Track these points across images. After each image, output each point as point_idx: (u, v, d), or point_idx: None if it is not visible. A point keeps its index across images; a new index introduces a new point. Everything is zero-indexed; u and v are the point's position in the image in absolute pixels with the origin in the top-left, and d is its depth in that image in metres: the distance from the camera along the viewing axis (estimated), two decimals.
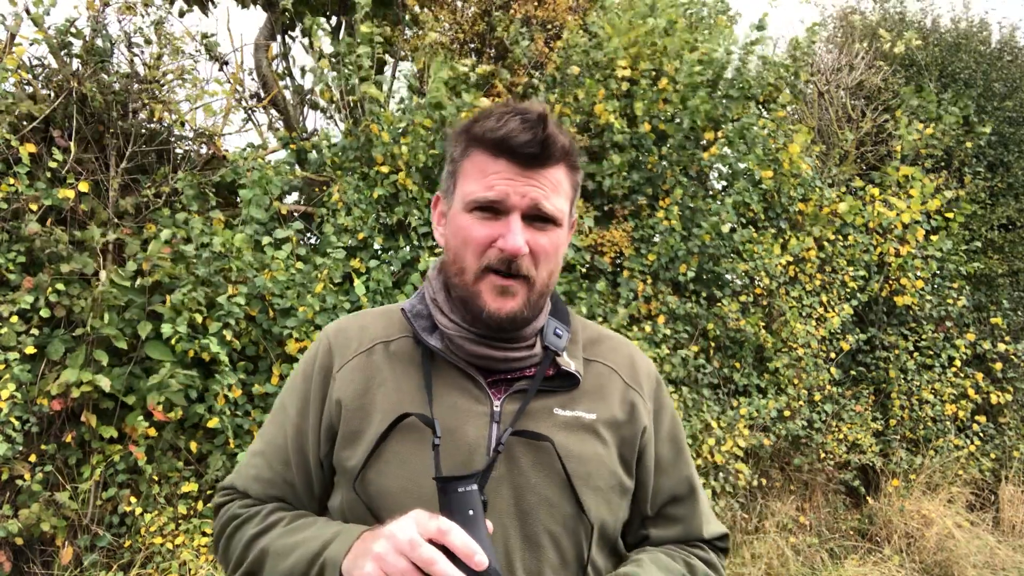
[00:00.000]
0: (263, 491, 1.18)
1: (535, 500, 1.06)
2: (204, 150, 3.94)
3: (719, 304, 4.64)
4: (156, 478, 3.23)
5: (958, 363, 5.67)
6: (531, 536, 1.05)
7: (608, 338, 1.26)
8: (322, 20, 4.04)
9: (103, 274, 3.19)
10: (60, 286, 3.13)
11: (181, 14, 4.65)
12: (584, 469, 1.09)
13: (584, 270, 4.44)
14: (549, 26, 4.80)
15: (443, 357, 1.12)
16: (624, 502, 1.16)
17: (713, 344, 4.71)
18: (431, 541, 0.87)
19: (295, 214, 4.06)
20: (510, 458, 1.07)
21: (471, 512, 0.91)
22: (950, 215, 5.34)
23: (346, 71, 4.02)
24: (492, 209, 1.06)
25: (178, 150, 3.86)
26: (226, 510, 1.19)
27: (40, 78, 3.58)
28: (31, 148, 3.21)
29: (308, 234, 4.05)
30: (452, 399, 1.09)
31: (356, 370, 1.14)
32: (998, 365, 5.95)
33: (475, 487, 0.93)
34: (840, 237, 5.21)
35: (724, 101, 4.74)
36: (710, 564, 1.21)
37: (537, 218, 1.06)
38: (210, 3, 4.76)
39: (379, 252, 3.92)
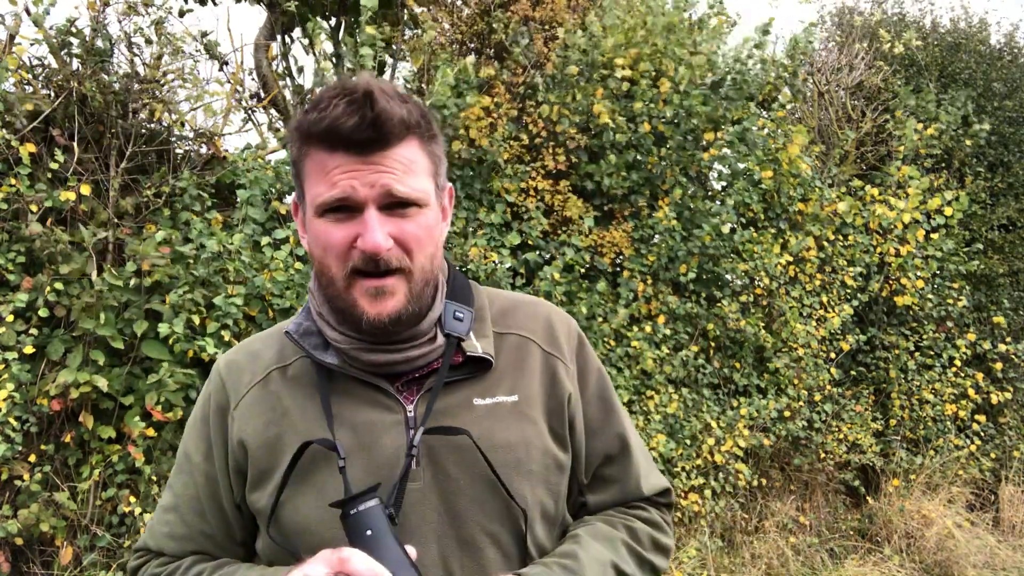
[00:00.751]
0: (179, 548, 1.10)
1: (466, 502, 1.01)
2: (204, 150, 3.94)
3: (719, 304, 4.64)
4: (155, 478, 3.23)
5: (958, 363, 5.67)
6: (468, 539, 1.00)
7: (524, 304, 1.17)
8: (323, 22, 4.04)
9: (94, 275, 3.19)
10: (59, 286, 3.13)
11: (181, 14, 4.65)
12: (514, 456, 1.03)
13: (584, 270, 4.44)
14: (548, 26, 4.79)
15: (343, 372, 1.03)
16: (563, 478, 1.10)
17: (713, 344, 4.70)
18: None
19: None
20: (434, 463, 1.01)
21: (369, 532, 0.86)
22: (948, 211, 5.34)
23: (347, 72, 4.01)
24: (344, 208, 0.95)
25: (178, 150, 3.86)
26: (143, 572, 1.11)
27: (40, 78, 3.58)
28: (31, 148, 3.20)
29: None
30: (362, 414, 1.02)
31: (254, 404, 1.06)
32: (998, 365, 5.94)
33: (372, 503, 0.88)
34: (840, 237, 5.21)
35: (724, 102, 4.74)
36: (652, 523, 1.15)
37: (395, 205, 0.96)
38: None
39: None
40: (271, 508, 1.00)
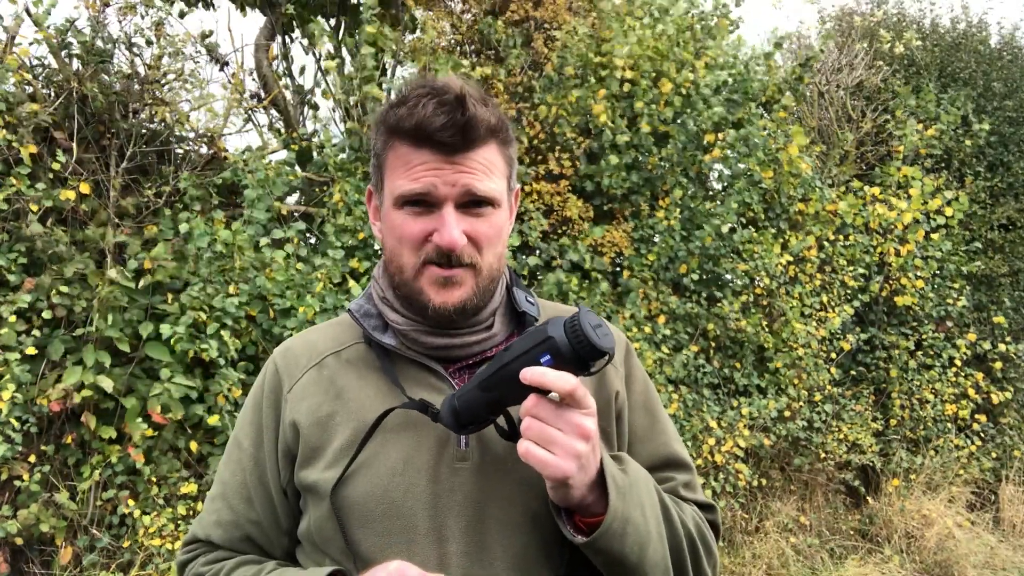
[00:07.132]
0: (226, 536, 1.12)
1: (513, 484, 1.02)
2: (205, 150, 3.93)
3: (719, 304, 4.64)
4: (155, 479, 3.22)
5: (958, 363, 5.67)
6: (513, 521, 1.01)
7: (570, 310, 1.19)
8: (323, 22, 4.04)
9: (111, 273, 3.19)
10: (63, 288, 3.12)
11: (181, 15, 4.64)
12: None
13: (584, 270, 4.44)
14: (547, 26, 4.79)
15: (400, 354, 1.07)
16: None
17: (713, 344, 4.70)
18: None
19: (296, 214, 4.06)
20: (483, 445, 1.03)
21: None
22: (948, 211, 5.34)
23: (349, 73, 4.01)
24: (422, 203, 0.99)
25: (179, 150, 3.86)
26: (189, 570, 1.13)
27: (40, 78, 3.58)
28: (32, 149, 3.20)
29: (308, 234, 4.05)
30: (414, 395, 1.04)
31: (309, 385, 1.09)
32: (998, 365, 5.94)
33: None
34: (840, 237, 5.21)
35: (728, 104, 4.73)
36: (702, 528, 1.09)
37: (472, 203, 1.00)
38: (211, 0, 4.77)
39: (378, 253, 3.92)
40: (338, 478, 1.01)
